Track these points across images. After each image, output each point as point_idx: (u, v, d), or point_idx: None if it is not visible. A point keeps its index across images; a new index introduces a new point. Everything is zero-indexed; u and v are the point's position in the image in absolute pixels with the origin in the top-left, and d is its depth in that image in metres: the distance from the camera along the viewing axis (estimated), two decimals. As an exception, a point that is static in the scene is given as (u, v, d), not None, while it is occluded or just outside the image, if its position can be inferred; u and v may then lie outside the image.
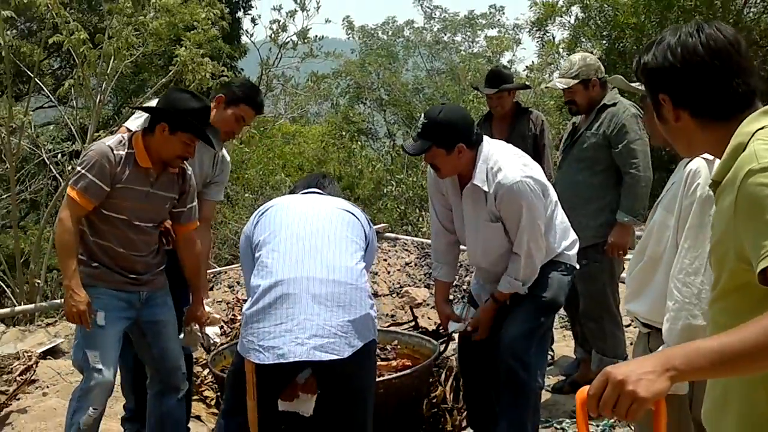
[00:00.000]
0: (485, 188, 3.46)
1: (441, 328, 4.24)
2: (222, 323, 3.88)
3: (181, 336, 3.80)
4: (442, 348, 4.17)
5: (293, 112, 18.90)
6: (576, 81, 4.39)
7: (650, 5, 9.45)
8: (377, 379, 3.49)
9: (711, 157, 2.15)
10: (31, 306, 6.74)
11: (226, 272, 7.46)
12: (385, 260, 7.29)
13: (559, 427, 4.29)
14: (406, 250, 7.54)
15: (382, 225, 8.78)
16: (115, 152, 3.37)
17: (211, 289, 6.84)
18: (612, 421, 4.09)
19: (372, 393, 3.05)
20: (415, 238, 8.17)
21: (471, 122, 3.63)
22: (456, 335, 4.03)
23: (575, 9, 10.44)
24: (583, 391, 1.55)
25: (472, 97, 11.04)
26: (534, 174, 3.49)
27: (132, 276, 3.54)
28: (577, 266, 3.78)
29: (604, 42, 10.53)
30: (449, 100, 13.84)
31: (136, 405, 4.11)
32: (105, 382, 3.44)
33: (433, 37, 17.18)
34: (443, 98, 14.48)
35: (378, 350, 4.10)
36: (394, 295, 6.73)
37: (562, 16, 10.74)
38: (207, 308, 3.92)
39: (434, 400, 4.29)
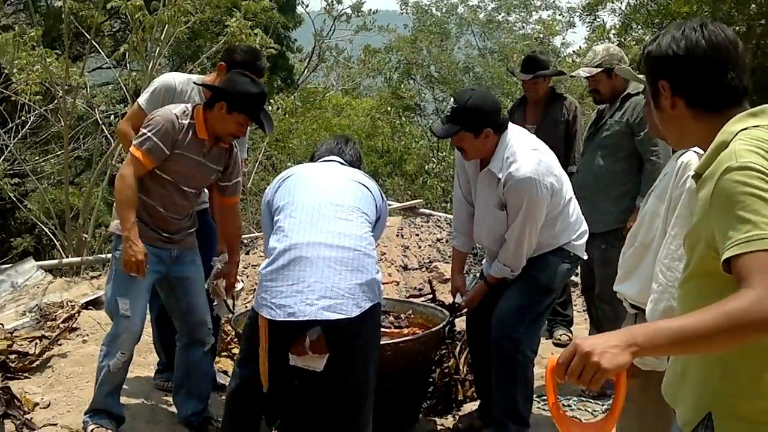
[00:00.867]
0: (499, 175, 3.61)
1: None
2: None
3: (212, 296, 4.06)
4: (454, 320, 4.33)
5: (345, 84, 19.08)
6: (599, 70, 4.48)
7: (703, -6, 9.37)
8: (385, 342, 3.71)
9: (702, 152, 2.28)
10: (78, 259, 7.08)
11: (263, 238, 7.70)
12: (417, 235, 7.45)
13: (566, 404, 4.44)
14: (439, 226, 7.69)
15: (417, 201, 8.93)
16: (179, 120, 3.65)
17: (247, 253, 7.10)
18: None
19: (375, 353, 3.25)
20: (449, 215, 8.31)
21: (499, 108, 3.76)
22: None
23: (628, -5, 10.37)
24: (554, 359, 1.70)
25: (518, 79, 11.05)
26: (545, 174, 3.60)
27: (165, 235, 3.80)
28: (584, 256, 3.92)
29: (656, 29, 10.42)
30: (497, 81, 13.84)
31: (167, 359, 4.39)
32: (132, 328, 3.73)
33: (486, 16, 17.10)
34: (492, 78, 14.45)
35: (392, 318, 4.30)
36: (423, 270, 6.90)
37: (613, 2, 10.67)
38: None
39: (446, 371, 4.47)
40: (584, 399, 4.43)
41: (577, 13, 12.94)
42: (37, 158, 11.18)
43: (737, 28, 10.06)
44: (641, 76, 2.77)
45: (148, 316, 4.08)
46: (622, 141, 4.48)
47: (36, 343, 4.82)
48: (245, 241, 7.03)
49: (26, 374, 4.58)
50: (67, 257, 7.34)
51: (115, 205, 3.82)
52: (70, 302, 5.54)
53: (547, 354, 4.56)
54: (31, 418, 3.99)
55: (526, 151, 3.64)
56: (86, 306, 5.75)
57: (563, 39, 15.71)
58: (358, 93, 19.84)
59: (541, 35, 14.68)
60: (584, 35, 13.01)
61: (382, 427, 3.62)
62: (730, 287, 1.59)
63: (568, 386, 4.72)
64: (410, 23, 17.52)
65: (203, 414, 4.02)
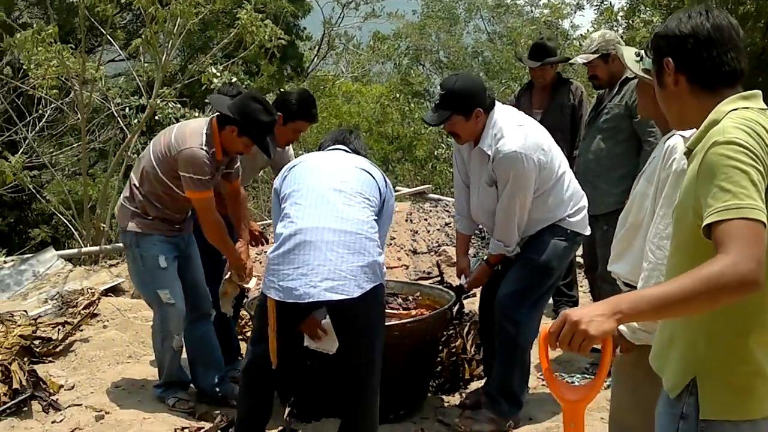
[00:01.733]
0: (488, 152, 3.73)
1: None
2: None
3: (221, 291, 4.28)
4: (461, 301, 4.47)
5: (355, 71, 19.17)
6: (596, 55, 4.59)
7: (710, -24, 9.38)
8: (393, 323, 3.86)
9: (688, 134, 2.40)
10: (96, 248, 7.27)
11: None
12: (426, 220, 7.60)
13: (570, 381, 4.58)
14: (447, 210, 7.82)
15: (426, 186, 9.07)
16: (208, 153, 3.89)
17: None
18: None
19: (380, 332, 3.40)
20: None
21: (485, 88, 3.89)
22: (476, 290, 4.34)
23: (634, -23, 10.40)
24: (546, 328, 1.85)
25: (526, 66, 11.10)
26: (534, 148, 3.70)
27: (177, 226, 4.14)
28: (584, 232, 3.99)
29: (664, 11, 10.45)
30: (506, 66, 13.89)
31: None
32: (179, 311, 4.08)
33: (495, 1, 17.11)
34: (500, 63, 14.51)
35: (401, 300, 4.45)
36: (432, 254, 7.05)
37: (621, -16, 10.72)
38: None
39: (454, 350, 4.62)
40: (588, 376, 4.56)
41: (588, -5, 12.98)
42: (53, 150, 11.39)
43: (747, 8, 10.06)
44: (626, 55, 2.88)
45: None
46: (621, 124, 4.59)
47: (59, 329, 5.01)
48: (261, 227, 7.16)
49: (50, 358, 4.77)
50: (86, 246, 7.52)
51: (211, 240, 4.08)
52: (90, 290, 5.74)
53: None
54: (57, 399, 4.19)
55: (512, 127, 3.74)
56: (106, 293, 5.95)
57: (571, 22, 15.70)
58: (368, 80, 19.92)
59: (550, 19, 14.69)
60: (591, 18, 13.05)
61: (390, 404, 3.80)
62: (710, 255, 1.71)
63: (572, 364, 4.87)
64: (419, 9, 17.56)
65: (224, 383, 4.26)
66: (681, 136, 2.54)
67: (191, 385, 4.34)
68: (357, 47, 19.16)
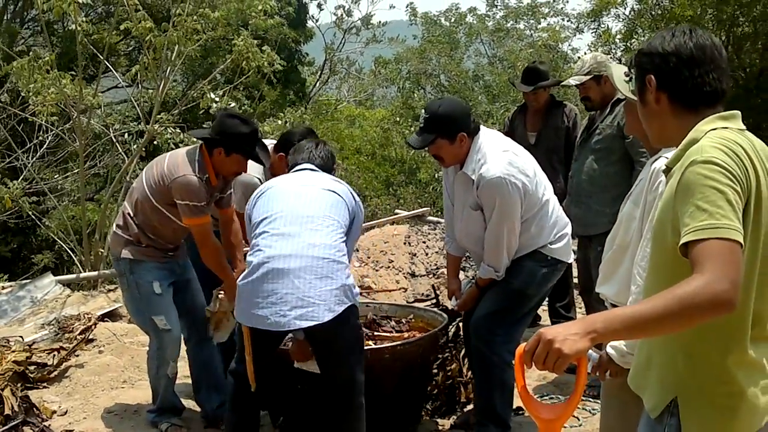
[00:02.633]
0: (473, 177, 3.73)
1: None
2: None
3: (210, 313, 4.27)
4: (454, 323, 4.45)
5: (357, 95, 19.30)
6: (588, 77, 4.61)
7: (706, -2, 9.47)
8: (384, 345, 3.87)
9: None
10: (95, 273, 7.27)
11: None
12: (424, 242, 7.59)
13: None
14: (445, 233, 7.82)
15: (424, 209, 9.07)
16: (202, 179, 3.93)
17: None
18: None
19: (356, 351, 3.45)
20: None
21: (469, 112, 3.89)
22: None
23: (630, 1, 10.46)
24: (521, 348, 1.84)
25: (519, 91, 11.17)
26: (517, 174, 3.69)
27: (170, 253, 4.16)
28: (566, 260, 3.98)
29: (661, 33, 10.52)
30: (505, 89, 13.96)
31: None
32: (175, 338, 4.08)
33: (495, 25, 17.23)
34: (500, 86, 14.58)
35: (394, 323, 4.44)
36: (430, 276, 7.04)
37: (617, 8, 10.76)
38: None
39: (449, 373, 4.59)
40: (584, 398, 4.53)
41: (582, 20, 13.06)
42: (56, 176, 11.45)
43: (743, 29, 10.13)
44: (616, 74, 2.90)
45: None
46: (613, 144, 4.59)
47: (54, 355, 5.01)
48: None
49: (45, 384, 4.77)
50: (85, 272, 7.53)
51: (211, 266, 4.09)
52: (87, 315, 5.73)
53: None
54: (49, 425, 4.19)
55: (496, 152, 3.74)
56: (102, 318, 5.95)
57: (570, 45, 15.81)
58: (371, 103, 20.05)
59: (546, 42, 14.78)
60: (589, 41, 13.15)
61: (383, 427, 3.77)
62: (686, 274, 1.70)
63: (570, 386, 4.84)
64: (419, 34, 17.69)
65: (225, 406, 4.22)
66: (666, 158, 2.54)
67: (195, 407, 4.35)
68: (359, 72, 19.31)
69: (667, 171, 1.92)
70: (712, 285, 1.63)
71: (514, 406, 4.08)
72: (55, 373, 4.88)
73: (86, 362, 5.08)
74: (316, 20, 19.27)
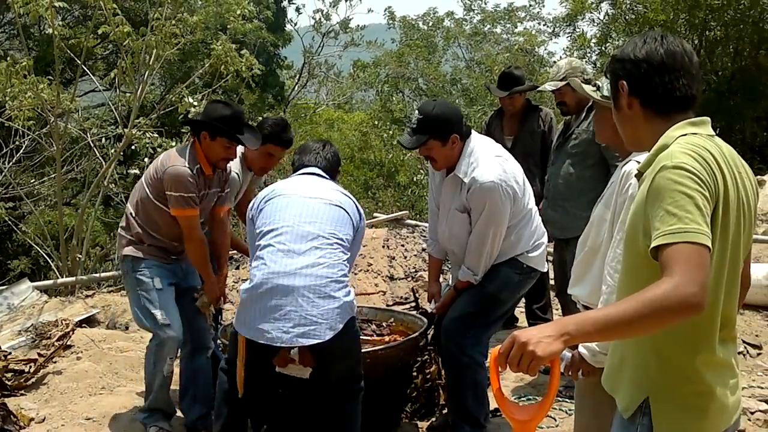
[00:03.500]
0: (465, 180, 3.78)
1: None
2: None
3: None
4: (433, 326, 4.48)
5: (336, 99, 19.30)
6: (563, 83, 4.67)
7: (679, 3, 9.55)
8: (366, 350, 3.90)
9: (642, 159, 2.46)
10: (72, 279, 7.23)
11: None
12: (403, 246, 7.62)
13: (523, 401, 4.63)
14: (424, 236, 7.84)
15: (403, 212, 9.11)
16: (192, 170, 3.97)
17: (237, 268, 7.27)
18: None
19: (357, 356, 3.54)
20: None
21: (461, 116, 3.96)
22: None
23: (605, 5, 10.56)
24: (495, 350, 1.88)
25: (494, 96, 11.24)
26: (509, 180, 3.75)
27: (173, 257, 4.18)
28: (540, 269, 4.04)
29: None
30: (483, 92, 14.04)
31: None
32: (174, 335, 4.05)
33: (472, 29, 17.31)
34: (478, 90, 14.67)
35: (375, 327, 4.47)
36: (409, 279, 7.07)
37: (592, 12, 10.88)
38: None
39: (429, 376, 4.62)
40: (560, 399, 4.58)
41: (558, 24, 13.17)
42: (33, 181, 11.36)
43: (715, 33, 10.27)
44: (587, 88, 2.96)
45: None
46: (589, 149, 4.65)
47: (31, 363, 4.97)
48: (235, 256, 7.19)
49: (22, 391, 4.74)
50: (62, 277, 7.48)
51: (193, 260, 4.15)
52: (65, 321, 5.69)
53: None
54: (27, 432, 4.15)
55: (489, 157, 3.80)
56: (80, 324, 5.92)
57: (546, 49, 15.94)
58: (350, 107, 20.06)
59: (527, 47, 14.90)
60: (565, 45, 13.27)
61: (363, 430, 3.79)
62: (656, 276, 1.74)
63: (545, 387, 4.89)
64: (398, 38, 17.73)
65: (208, 417, 4.21)
66: (637, 161, 2.60)
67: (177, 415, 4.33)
68: (338, 75, 19.32)
69: (639, 175, 1.97)
70: (680, 288, 1.67)
71: (491, 408, 4.12)
72: (33, 380, 4.85)
73: (64, 369, 5.05)
74: (295, 24, 19.31)
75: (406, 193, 13.04)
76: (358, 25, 18.53)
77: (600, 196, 2.90)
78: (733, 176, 1.91)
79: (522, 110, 5.68)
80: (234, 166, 4.36)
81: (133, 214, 4.13)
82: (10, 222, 8.73)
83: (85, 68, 8.59)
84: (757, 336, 5.64)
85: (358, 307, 4.79)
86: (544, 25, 16.01)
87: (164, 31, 7.27)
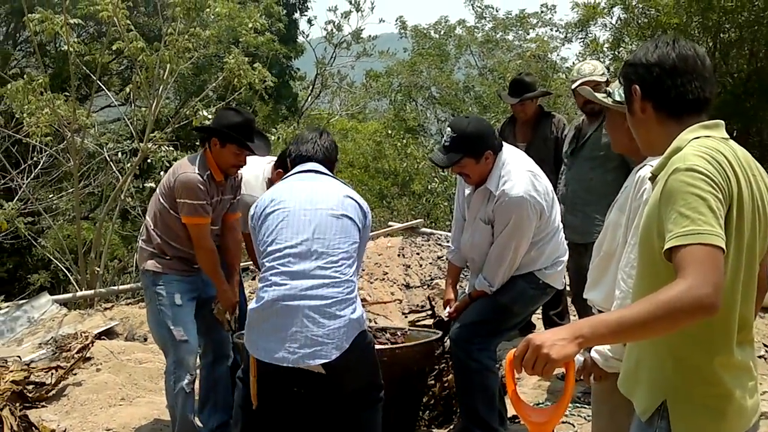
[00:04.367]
0: (495, 192, 3.78)
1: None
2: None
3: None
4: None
5: (349, 109, 19.36)
6: (603, 78, 4.68)
7: (692, 6, 9.50)
8: (382, 347, 3.96)
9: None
10: (91, 292, 7.30)
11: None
12: (418, 254, 7.64)
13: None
14: (439, 244, 7.86)
15: (418, 221, 9.12)
16: (203, 177, 3.99)
17: (254, 279, 7.29)
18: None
19: (370, 370, 3.51)
20: (449, 233, 8.49)
21: (493, 130, 3.98)
22: None
23: (617, 10, 10.52)
24: (511, 353, 1.89)
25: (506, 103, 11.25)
26: (538, 196, 3.75)
27: (195, 266, 4.18)
28: (556, 286, 4.04)
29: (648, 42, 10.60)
30: (495, 100, 14.05)
31: None
32: (192, 349, 4.08)
33: (484, 36, 17.31)
34: (491, 97, 14.68)
35: (389, 335, 4.48)
36: (424, 287, 7.08)
37: (604, 17, 10.84)
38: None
39: (446, 384, 4.63)
40: (578, 404, 4.57)
41: (570, 29, 13.15)
42: (51, 196, 11.48)
43: (729, 36, 10.19)
44: (598, 95, 2.97)
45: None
46: (610, 152, 4.62)
47: (52, 374, 5.03)
48: (251, 267, 7.22)
49: (43, 403, 4.79)
50: (81, 291, 7.55)
51: (204, 268, 4.17)
52: (84, 333, 5.75)
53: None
54: (48, 444, 4.20)
55: (521, 171, 3.81)
56: (99, 336, 5.98)
57: (558, 55, 15.91)
58: (364, 116, 20.11)
59: (539, 53, 14.88)
60: (577, 51, 13.27)
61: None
62: (670, 278, 1.75)
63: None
64: (410, 47, 17.77)
65: (228, 426, 4.21)
66: (651, 165, 2.60)
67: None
68: (350, 86, 19.38)
69: (653, 178, 1.97)
70: (694, 289, 1.68)
71: (510, 414, 4.12)
72: (53, 391, 4.90)
73: (84, 380, 5.10)
74: (307, 35, 19.37)
75: (420, 202, 13.07)
76: (370, 35, 18.61)
77: (614, 201, 2.90)
78: (748, 179, 1.91)
79: (535, 117, 5.68)
80: (260, 189, 4.36)
81: (152, 227, 4.15)
82: (29, 237, 8.82)
83: (100, 84, 8.69)
84: (776, 339, 5.60)
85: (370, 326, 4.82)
86: (556, 31, 16.04)
87: (177, 46, 7.36)
